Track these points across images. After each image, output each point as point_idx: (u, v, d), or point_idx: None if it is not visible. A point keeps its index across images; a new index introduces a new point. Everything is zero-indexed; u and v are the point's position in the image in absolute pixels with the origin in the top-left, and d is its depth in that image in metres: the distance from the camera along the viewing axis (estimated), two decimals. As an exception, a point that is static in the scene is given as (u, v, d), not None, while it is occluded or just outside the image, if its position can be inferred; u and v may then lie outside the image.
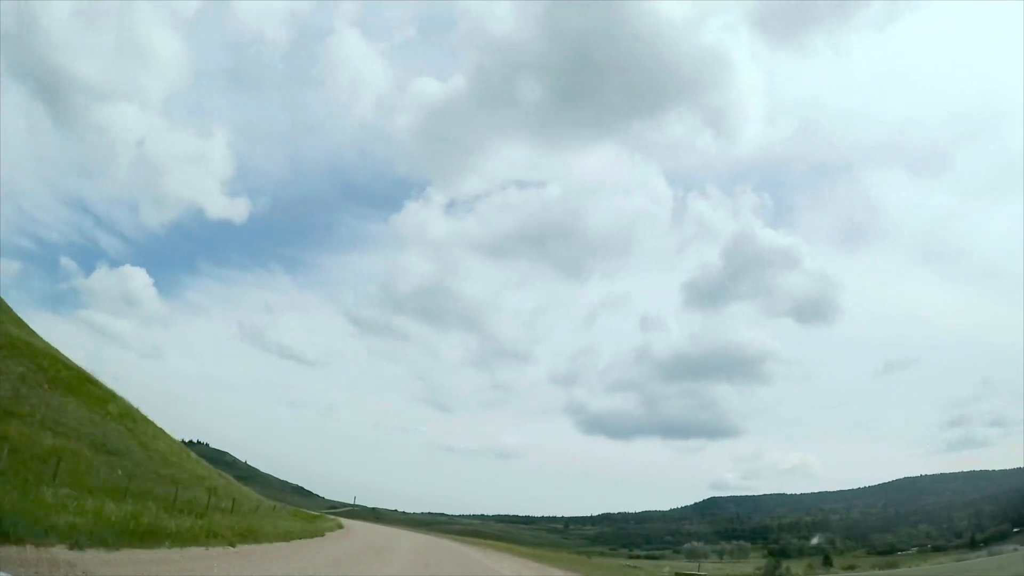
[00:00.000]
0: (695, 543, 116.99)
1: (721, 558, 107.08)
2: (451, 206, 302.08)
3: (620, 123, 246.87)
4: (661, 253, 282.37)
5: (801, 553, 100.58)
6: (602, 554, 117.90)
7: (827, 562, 75.51)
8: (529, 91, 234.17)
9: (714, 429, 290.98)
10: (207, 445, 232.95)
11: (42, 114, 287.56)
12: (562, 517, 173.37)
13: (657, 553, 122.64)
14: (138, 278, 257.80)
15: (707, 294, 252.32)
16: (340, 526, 47.02)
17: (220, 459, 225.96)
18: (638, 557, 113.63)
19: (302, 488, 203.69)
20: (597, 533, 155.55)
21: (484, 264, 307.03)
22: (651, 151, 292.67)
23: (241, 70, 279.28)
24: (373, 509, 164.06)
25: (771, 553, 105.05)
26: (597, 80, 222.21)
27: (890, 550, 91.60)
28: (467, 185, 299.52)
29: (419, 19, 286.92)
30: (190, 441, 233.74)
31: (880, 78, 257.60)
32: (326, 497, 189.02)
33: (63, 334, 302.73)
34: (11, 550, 8.01)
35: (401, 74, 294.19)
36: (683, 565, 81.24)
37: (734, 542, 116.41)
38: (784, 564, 64.82)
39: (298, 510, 61.29)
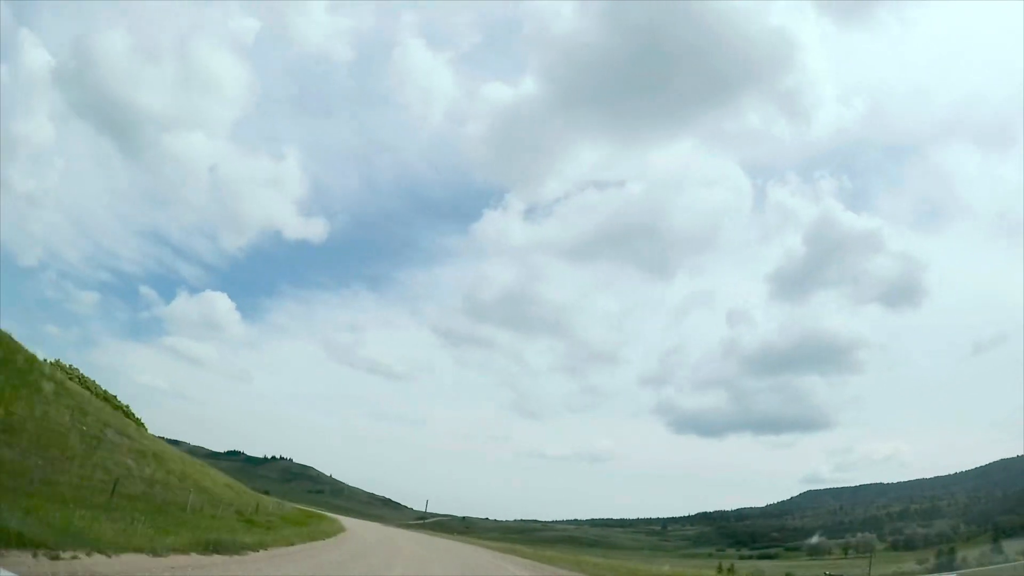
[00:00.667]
0: (819, 538, 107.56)
1: (846, 553, 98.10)
2: (530, 211, 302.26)
3: (694, 115, 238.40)
4: (744, 244, 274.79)
5: (927, 542, 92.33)
6: (709, 555, 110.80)
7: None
8: (600, 89, 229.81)
9: (805, 422, 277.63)
10: (291, 460, 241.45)
11: (110, 148, 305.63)
12: (659, 518, 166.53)
13: (769, 551, 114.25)
14: (220, 303, 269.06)
15: (792, 283, 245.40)
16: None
17: (303, 474, 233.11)
18: (749, 557, 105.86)
19: (390, 500, 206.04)
20: (698, 533, 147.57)
21: (567, 268, 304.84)
22: (727, 141, 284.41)
23: (307, 90, 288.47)
24: (463, 519, 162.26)
25: (895, 545, 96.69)
26: (667, 72, 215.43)
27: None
28: (545, 189, 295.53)
29: (483, 24, 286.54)
30: (272, 457, 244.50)
31: (946, 50, 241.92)
32: (414, 508, 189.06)
33: (147, 361, 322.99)
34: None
35: (470, 81, 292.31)
36: (829, 564, 73.49)
37: (858, 535, 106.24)
38: (959, 555, 56.32)
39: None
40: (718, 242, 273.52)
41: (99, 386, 35.62)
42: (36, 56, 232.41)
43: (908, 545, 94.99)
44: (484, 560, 31.41)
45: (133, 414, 38.63)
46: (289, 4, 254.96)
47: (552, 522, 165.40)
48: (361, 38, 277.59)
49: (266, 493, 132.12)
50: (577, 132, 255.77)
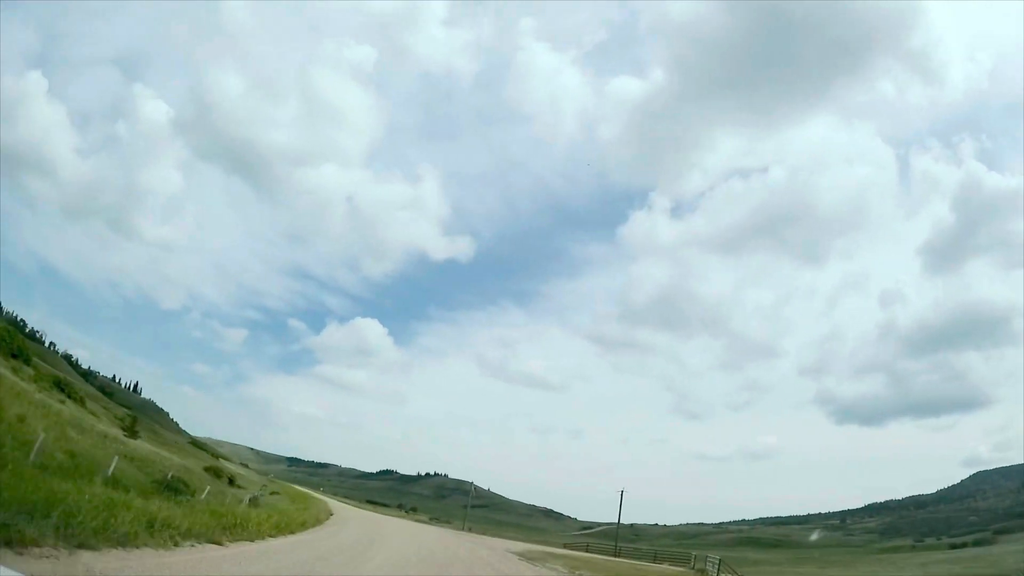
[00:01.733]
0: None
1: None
2: (676, 208, 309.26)
3: (826, 88, 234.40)
4: (892, 219, 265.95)
5: None
6: (912, 548, 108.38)
7: None
8: (728, 71, 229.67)
9: (965, 401, 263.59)
10: (445, 476, 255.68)
11: (242, 188, 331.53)
12: (834, 512, 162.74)
13: (975, 539, 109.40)
14: (371, 329, 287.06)
15: (943, 254, 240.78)
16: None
17: (459, 488, 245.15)
18: (962, 546, 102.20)
19: (551, 511, 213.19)
20: (883, 525, 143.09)
21: (718, 262, 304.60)
22: (863, 113, 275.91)
23: (435, 109, 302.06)
24: (631, 525, 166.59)
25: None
26: (794, 46, 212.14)
27: None
28: (689, 184, 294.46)
29: (602, 19, 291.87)
30: (426, 474, 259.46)
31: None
32: (577, 518, 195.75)
33: (299, 392, 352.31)
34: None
35: (597, 80, 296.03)
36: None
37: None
38: None
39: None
40: (866, 220, 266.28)
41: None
42: (154, 108, 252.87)
43: None
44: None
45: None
46: (403, 25, 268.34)
47: (722, 524, 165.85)
48: (482, 49, 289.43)
49: (413, 510, 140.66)
50: (713, 120, 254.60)
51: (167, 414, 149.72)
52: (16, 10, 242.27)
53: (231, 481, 43.09)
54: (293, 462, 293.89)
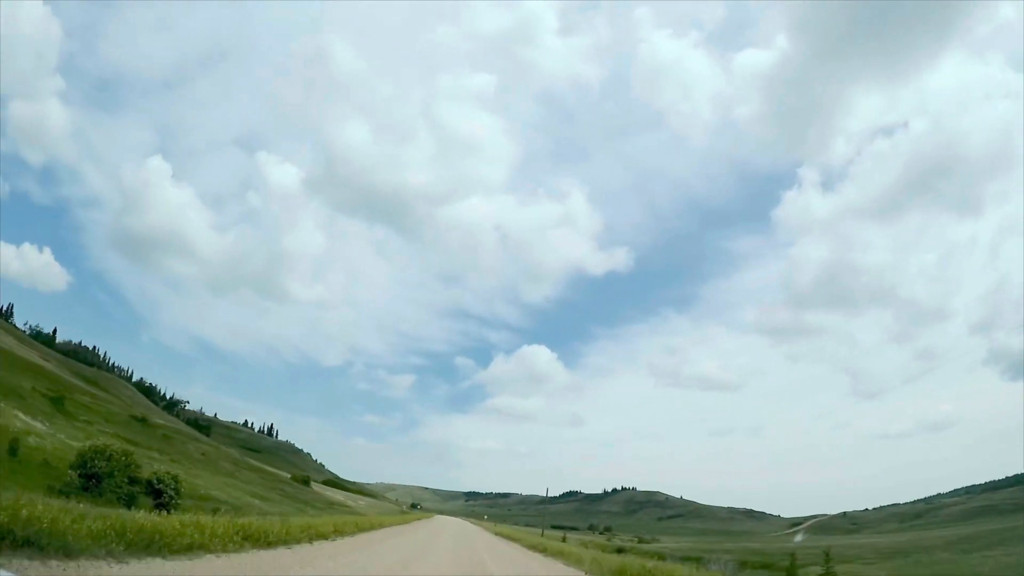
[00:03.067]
0: None
1: None
2: (826, 179, 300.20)
3: (952, 24, 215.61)
4: None
5: None
6: None
7: None
8: (850, 24, 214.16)
9: None
10: (633, 490, 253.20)
11: (388, 235, 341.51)
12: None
13: None
14: (540, 355, 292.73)
15: None
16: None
17: (650, 500, 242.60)
18: None
19: (752, 511, 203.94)
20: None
21: (876, 228, 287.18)
22: (991, 44, 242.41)
23: (566, 122, 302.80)
24: (844, 514, 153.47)
25: None
26: None
27: None
28: (835, 152, 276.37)
29: None
30: (613, 490, 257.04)
31: None
32: (782, 515, 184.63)
33: (474, 428, 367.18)
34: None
35: (724, 58, 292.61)
36: None
37: None
38: None
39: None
40: (1015, 156, 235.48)
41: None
42: (283, 172, 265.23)
43: None
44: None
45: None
46: (519, 43, 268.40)
47: (933, 497, 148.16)
48: (602, 50, 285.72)
49: (607, 530, 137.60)
50: (845, 79, 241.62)
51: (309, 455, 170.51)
52: (134, 110, 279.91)
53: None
54: (471, 496, 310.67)
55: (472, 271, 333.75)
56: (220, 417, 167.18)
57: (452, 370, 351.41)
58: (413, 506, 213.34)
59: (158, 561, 8.10)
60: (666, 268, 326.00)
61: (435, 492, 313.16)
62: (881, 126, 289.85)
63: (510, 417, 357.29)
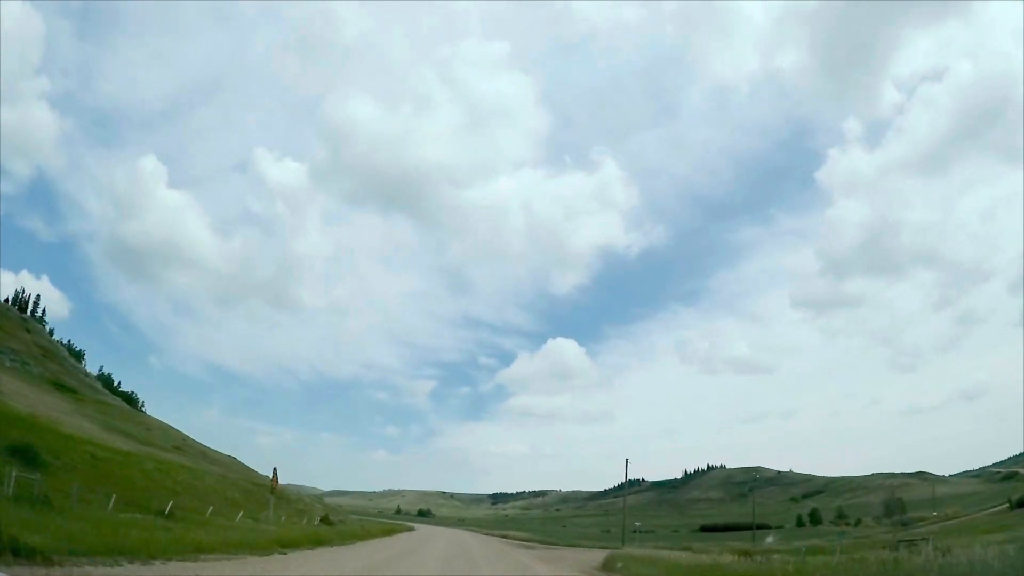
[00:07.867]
0: None
1: None
2: (871, 132, 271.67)
3: None
4: None
5: None
6: None
7: None
8: None
9: None
10: (723, 467, 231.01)
11: (401, 221, 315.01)
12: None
13: None
14: (567, 348, 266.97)
15: None
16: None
17: (752, 477, 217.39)
18: None
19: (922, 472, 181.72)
20: None
21: (922, 183, 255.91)
22: None
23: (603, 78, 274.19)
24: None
25: None
26: None
27: None
28: (882, 101, 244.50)
29: None
30: (696, 470, 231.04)
31: None
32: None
33: (497, 433, 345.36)
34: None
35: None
36: None
37: None
38: None
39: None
40: None
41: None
42: (283, 168, 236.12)
43: None
44: None
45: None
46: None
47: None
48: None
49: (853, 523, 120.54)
50: (889, 18, 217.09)
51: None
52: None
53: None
54: (499, 498, 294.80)
55: (495, 256, 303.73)
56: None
57: (476, 368, 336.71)
58: (421, 513, 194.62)
59: None
60: (701, 243, 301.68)
61: (452, 496, 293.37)
62: (929, 71, 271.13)
63: (536, 417, 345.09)
